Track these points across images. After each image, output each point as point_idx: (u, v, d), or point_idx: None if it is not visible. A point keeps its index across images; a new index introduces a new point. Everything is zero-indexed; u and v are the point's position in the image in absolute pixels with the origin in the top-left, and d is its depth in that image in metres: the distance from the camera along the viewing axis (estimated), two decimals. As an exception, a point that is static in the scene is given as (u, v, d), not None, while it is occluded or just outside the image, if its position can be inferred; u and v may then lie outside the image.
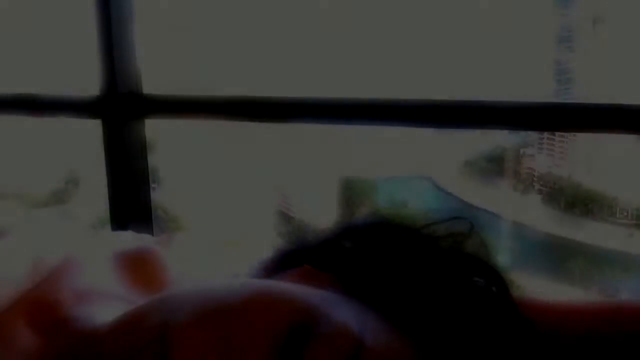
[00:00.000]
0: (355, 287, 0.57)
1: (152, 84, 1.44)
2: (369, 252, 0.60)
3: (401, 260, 0.59)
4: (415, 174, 3.75)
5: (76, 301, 0.62)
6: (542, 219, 3.55)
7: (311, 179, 3.48)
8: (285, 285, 0.54)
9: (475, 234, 0.60)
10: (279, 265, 0.63)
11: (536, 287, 3.19)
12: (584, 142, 3.46)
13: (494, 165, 3.71)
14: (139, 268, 0.69)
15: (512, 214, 3.58)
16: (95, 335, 0.53)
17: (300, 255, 0.64)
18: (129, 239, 0.75)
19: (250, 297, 0.51)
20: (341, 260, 0.61)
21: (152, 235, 1.44)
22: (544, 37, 3.34)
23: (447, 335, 0.53)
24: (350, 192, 3.62)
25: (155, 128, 1.60)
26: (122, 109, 1.38)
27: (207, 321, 0.49)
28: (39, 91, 1.52)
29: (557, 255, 3.46)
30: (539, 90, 3.18)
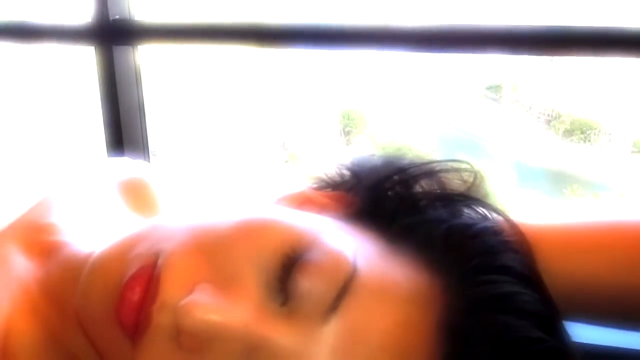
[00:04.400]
0: (365, 208, 0.57)
1: (144, 10, 1.42)
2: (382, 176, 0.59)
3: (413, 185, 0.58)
4: (414, 102, 3.72)
5: (70, 226, 0.62)
6: (540, 146, 3.55)
7: (309, 109, 3.45)
8: (277, 212, 0.54)
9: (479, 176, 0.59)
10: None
11: (534, 209, 3.21)
12: (582, 71, 3.42)
13: (493, 93, 3.68)
14: (135, 195, 0.69)
15: (511, 140, 3.58)
16: (88, 259, 0.54)
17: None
18: (125, 166, 0.74)
19: (239, 226, 0.51)
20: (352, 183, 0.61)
21: (148, 162, 1.44)
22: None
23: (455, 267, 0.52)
24: (348, 121, 3.60)
25: (152, 58, 1.58)
26: (114, 35, 1.36)
27: (198, 248, 0.50)
28: (31, 18, 1.50)
29: (554, 182, 3.47)
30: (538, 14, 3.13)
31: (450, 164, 0.60)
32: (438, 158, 0.61)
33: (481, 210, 0.57)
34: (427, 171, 0.59)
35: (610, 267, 0.58)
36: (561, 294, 0.56)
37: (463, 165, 0.60)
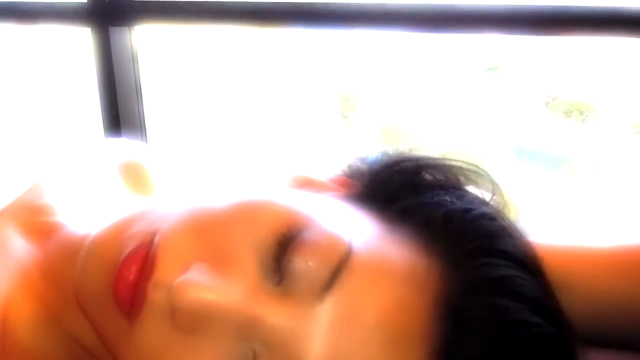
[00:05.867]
0: (362, 189, 0.57)
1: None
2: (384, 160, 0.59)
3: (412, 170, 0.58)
4: (413, 85, 3.71)
5: (67, 207, 0.62)
6: (539, 128, 3.55)
7: (307, 91, 3.44)
8: (273, 193, 0.53)
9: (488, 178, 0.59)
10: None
11: (533, 190, 3.22)
12: (581, 52, 3.41)
13: (491, 74, 3.67)
14: (132, 176, 0.69)
15: (509, 122, 3.57)
16: (86, 240, 0.54)
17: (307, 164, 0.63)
18: (123, 147, 0.74)
19: (236, 206, 0.51)
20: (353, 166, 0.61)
21: (145, 143, 1.44)
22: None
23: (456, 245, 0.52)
24: (346, 103, 3.60)
25: (150, 39, 1.58)
26: (110, 16, 1.36)
27: (194, 228, 0.50)
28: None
29: (552, 163, 3.48)
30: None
31: (467, 165, 0.59)
32: (454, 157, 0.61)
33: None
34: (441, 165, 0.59)
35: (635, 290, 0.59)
36: (586, 317, 0.56)
37: (480, 171, 0.59)
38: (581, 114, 3.42)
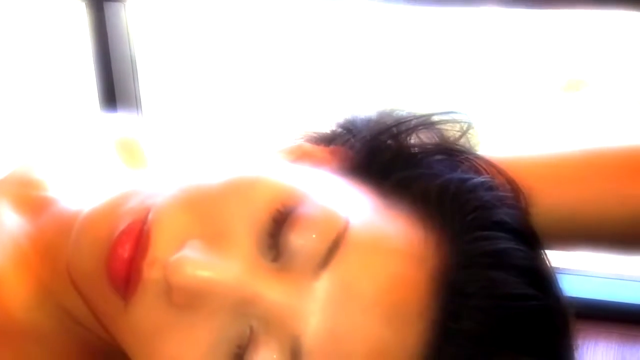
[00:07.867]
0: (357, 161, 0.56)
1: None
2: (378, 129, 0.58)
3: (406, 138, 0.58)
4: (414, 60, 3.69)
5: (61, 182, 0.62)
6: (537, 102, 3.55)
7: (306, 63, 3.43)
8: (268, 168, 0.53)
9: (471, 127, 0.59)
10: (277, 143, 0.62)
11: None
12: (581, 25, 3.40)
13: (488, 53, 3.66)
14: (128, 152, 0.69)
15: (507, 99, 3.57)
16: (79, 215, 0.53)
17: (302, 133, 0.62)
18: (118, 123, 0.73)
19: (230, 183, 0.50)
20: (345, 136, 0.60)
21: (141, 118, 1.43)
22: None
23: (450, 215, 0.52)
24: (345, 79, 3.58)
25: (144, 13, 1.57)
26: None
27: (188, 204, 0.49)
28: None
29: (548, 136, 3.48)
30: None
31: (446, 115, 0.59)
32: (435, 110, 0.60)
33: (473, 160, 0.57)
34: (424, 122, 0.58)
35: (596, 197, 0.59)
36: (547, 226, 0.56)
37: (459, 116, 0.59)
38: (578, 90, 3.41)
